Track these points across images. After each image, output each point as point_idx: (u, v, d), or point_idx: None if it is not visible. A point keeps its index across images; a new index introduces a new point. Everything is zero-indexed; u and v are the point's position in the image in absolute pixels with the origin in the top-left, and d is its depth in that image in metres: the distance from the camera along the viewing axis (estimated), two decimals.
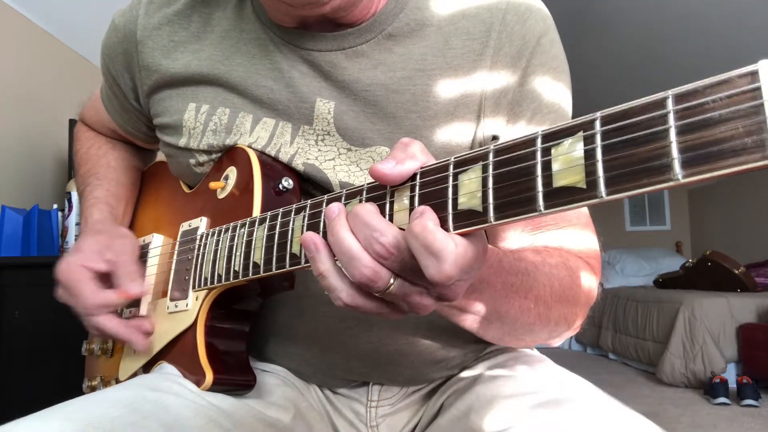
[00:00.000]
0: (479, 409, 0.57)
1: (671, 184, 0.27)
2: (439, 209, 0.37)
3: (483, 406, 0.57)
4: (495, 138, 0.62)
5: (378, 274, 0.38)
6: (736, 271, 3.84)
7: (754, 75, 0.25)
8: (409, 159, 0.40)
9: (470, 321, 0.52)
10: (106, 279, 0.66)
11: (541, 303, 0.53)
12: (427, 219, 0.36)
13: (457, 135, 0.61)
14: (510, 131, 0.62)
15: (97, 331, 0.65)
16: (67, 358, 1.61)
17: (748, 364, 3.29)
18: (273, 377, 0.68)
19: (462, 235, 0.37)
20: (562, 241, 0.60)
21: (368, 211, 0.39)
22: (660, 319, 3.78)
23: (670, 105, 0.28)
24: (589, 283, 0.59)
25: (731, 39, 3.79)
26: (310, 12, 0.59)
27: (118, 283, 0.65)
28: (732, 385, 3.12)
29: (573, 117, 0.65)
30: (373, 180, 0.42)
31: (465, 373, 0.68)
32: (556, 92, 0.63)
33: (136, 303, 0.71)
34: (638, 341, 4.01)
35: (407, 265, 0.38)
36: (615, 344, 4.37)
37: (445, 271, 0.35)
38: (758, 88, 0.25)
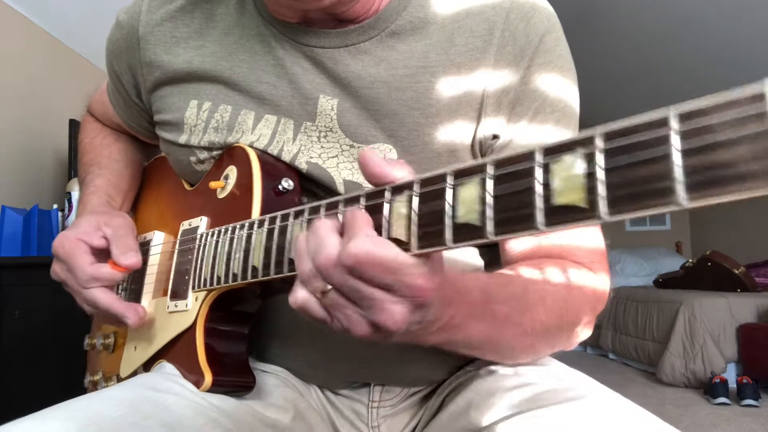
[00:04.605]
0: (479, 404, 0.57)
1: (675, 208, 0.26)
2: (437, 221, 0.37)
3: (483, 399, 0.57)
4: (496, 137, 0.62)
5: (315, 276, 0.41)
6: (736, 271, 3.84)
7: (761, 97, 0.24)
8: (399, 166, 0.41)
9: (463, 351, 0.53)
10: (102, 255, 0.66)
11: (536, 323, 0.53)
12: (356, 212, 0.40)
13: (458, 133, 0.61)
14: (511, 130, 0.62)
15: (90, 305, 0.65)
16: (67, 358, 1.61)
17: (748, 364, 3.29)
18: (273, 378, 0.68)
19: (419, 255, 0.38)
20: (567, 240, 0.60)
21: (324, 226, 0.41)
22: (660, 319, 3.78)
23: (673, 124, 0.27)
24: (594, 286, 0.58)
25: (732, 41, 3.79)
26: (310, 5, 0.58)
27: (112, 256, 0.65)
28: (732, 385, 3.12)
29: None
30: (371, 183, 0.42)
31: (464, 370, 0.68)
32: (560, 90, 0.62)
33: (137, 299, 0.72)
34: (638, 341, 4.01)
35: (341, 282, 0.39)
36: (615, 344, 4.37)
37: (349, 247, 0.37)
38: (765, 113, 0.24)
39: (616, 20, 3.97)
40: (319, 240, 0.40)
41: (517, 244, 0.61)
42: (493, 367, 0.63)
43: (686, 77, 4.28)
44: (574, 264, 0.59)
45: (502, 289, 0.51)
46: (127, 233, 0.68)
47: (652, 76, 4.55)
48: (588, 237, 0.61)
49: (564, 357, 0.63)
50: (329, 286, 0.40)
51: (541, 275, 0.55)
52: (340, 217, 0.44)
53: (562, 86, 0.63)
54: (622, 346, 4.24)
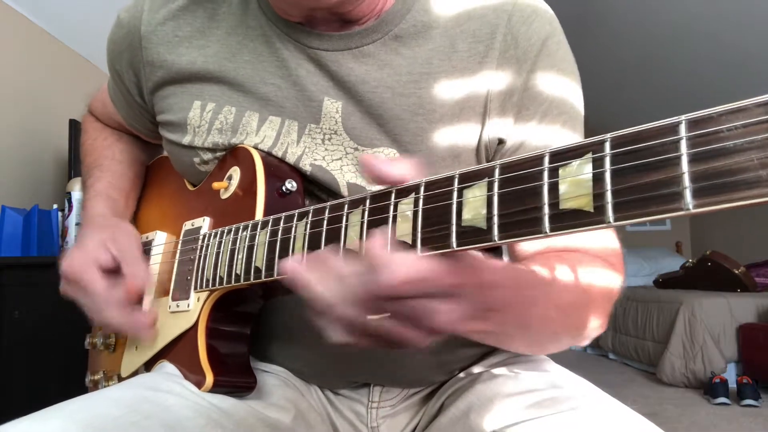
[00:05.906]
0: (479, 409, 0.57)
1: (681, 213, 0.26)
2: (443, 225, 0.37)
3: (483, 405, 0.57)
4: (501, 142, 0.62)
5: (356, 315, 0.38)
6: (736, 271, 3.84)
7: None
8: (401, 163, 0.40)
9: (493, 340, 0.52)
10: (111, 273, 0.66)
11: (560, 310, 0.52)
12: (375, 240, 0.37)
13: (462, 137, 0.61)
14: (519, 132, 0.62)
15: (105, 325, 0.65)
16: (66, 358, 1.61)
17: (748, 364, 3.29)
18: (273, 378, 0.68)
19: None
20: (580, 241, 0.59)
21: (339, 266, 0.39)
22: (660, 319, 3.78)
23: (682, 131, 0.27)
24: (608, 281, 0.57)
25: (732, 44, 3.79)
26: (317, 3, 0.58)
27: (125, 278, 0.65)
28: (732, 385, 3.12)
29: None
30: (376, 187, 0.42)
31: (465, 373, 0.68)
32: (565, 93, 0.62)
33: (138, 300, 0.71)
34: (638, 341, 4.01)
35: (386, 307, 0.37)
36: (615, 344, 4.37)
37: (385, 278, 0.35)
38: None
39: (615, 23, 3.97)
40: (338, 277, 0.38)
41: (528, 245, 0.61)
42: (494, 371, 0.63)
43: (686, 80, 4.28)
44: (591, 257, 0.58)
45: (531, 276, 0.49)
46: (135, 253, 0.67)
47: (652, 79, 4.55)
48: (602, 238, 0.60)
49: (564, 357, 0.63)
50: (375, 317, 0.38)
51: (563, 265, 0.54)
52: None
53: (566, 89, 0.63)
54: (622, 346, 4.24)
